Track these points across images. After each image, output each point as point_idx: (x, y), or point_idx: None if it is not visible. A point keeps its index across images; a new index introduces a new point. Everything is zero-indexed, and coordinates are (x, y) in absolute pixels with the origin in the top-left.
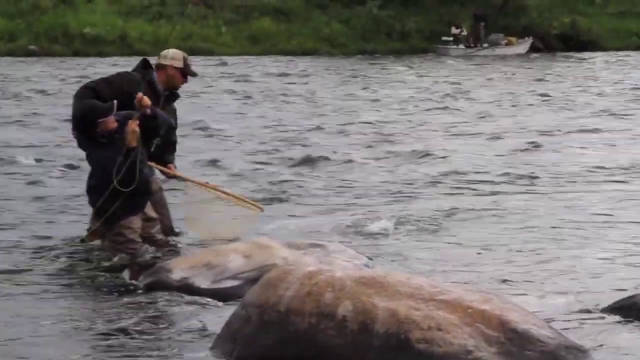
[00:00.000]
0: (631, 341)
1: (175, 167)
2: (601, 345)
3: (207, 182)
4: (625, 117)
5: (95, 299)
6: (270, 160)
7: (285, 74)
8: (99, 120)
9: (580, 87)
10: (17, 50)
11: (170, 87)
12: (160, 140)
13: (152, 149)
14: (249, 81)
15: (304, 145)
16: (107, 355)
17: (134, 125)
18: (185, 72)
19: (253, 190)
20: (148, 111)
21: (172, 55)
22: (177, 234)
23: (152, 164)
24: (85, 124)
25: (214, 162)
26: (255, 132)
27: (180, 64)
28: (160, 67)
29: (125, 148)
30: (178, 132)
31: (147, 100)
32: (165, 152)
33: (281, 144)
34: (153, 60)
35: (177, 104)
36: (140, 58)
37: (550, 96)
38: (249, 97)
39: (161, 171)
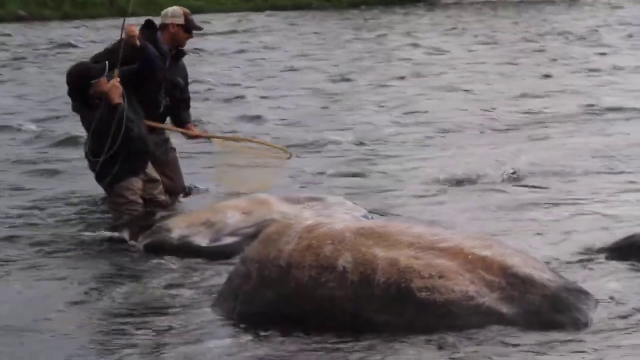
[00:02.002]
0: (631, 281)
1: (194, 125)
2: (602, 287)
3: (231, 134)
4: None
5: (95, 260)
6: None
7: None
8: (92, 81)
9: None
10: (7, 15)
11: (176, 45)
12: (170, 100)
13: (162, 110)
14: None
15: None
16: (109, 315)
17: (115, 82)
18: (188, 27)
19: None
20: (136, 42)
21: (172, 13)
22: (188, 194)
23: (172, 127)
24: (79, 86)
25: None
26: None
27: (181, 20)
28: (163, 26)
29: (111, 106)
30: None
31: (134, 29)
32: (180, 111)
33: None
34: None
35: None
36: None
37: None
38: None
39: (182, 133)
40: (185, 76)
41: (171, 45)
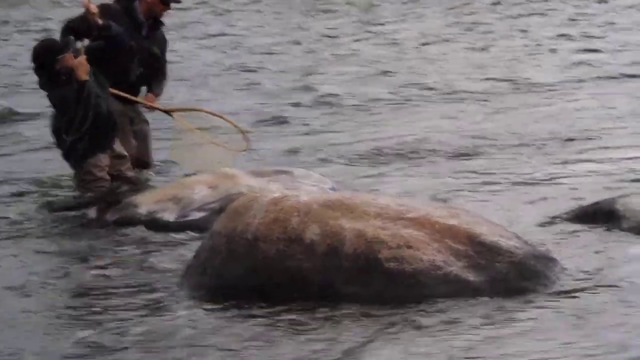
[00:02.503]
0: (597, 247)
1: (157, 95)
2: (569, 253)
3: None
4: None
5: (63, 237)
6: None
7: None
8: (58, 57)
9: None
10: None
11: (152, 16)
12: (146, 69)
13: (133, 79)
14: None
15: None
16: (78, 292)
17: (81, 58)
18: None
19: None
20: (96, 20)
21: None
22: (152, 168)
23: (129, 96)
24: (44, 62)
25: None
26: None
27: None
28: None
29: (78, 83)
30: None
31: (91, 7)
32: (153, 81)
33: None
34: None
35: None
36: None
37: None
38: None
39: (138, 103)
40: (163, 46)
41: (147, 16)
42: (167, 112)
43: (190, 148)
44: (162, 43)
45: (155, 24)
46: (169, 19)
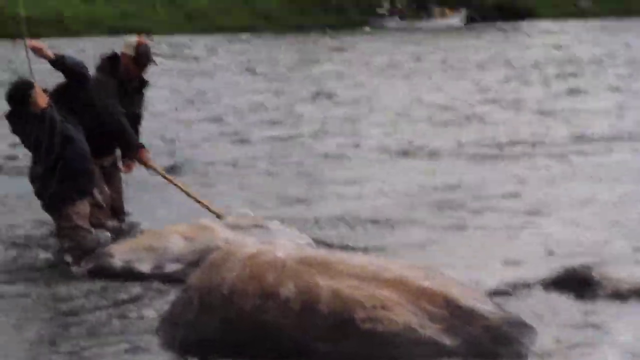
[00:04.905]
0: (571, 313)
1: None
2: (544, 319)
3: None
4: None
5: (37, 284)
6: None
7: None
8: (29, 94)
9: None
10: None
11: (129, 77)
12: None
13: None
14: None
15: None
16: (50, 341)
17: (37, 88)
18: (138, 61)
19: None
20: (48, 54)
21: (126, 43)
22: (125, 215)
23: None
24: (16, 102)
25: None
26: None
27: (131, 52)
28: (121, 55)
29: (39, 114)
30: None
31: (35, 43)
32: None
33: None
34: None
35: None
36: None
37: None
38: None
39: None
40: (141, 101)
41: (125, 77)
42: (154, 170)
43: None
44: (142, 97)
45: (141, 85)
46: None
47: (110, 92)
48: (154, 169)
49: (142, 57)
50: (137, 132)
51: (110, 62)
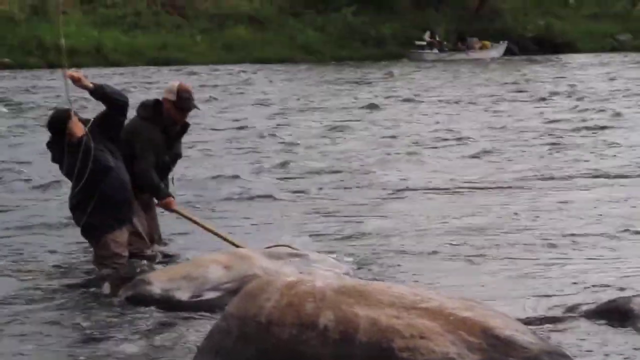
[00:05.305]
0: (613, 346)
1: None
2: (583, 351)
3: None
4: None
5: (75, 313)
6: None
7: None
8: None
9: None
10: None
11: (171, 122)
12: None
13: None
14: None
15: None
16: None
17: (73, 119)
18: (179, 106)
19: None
20: (87, 84)
21: (167, 88)
22: (163, 244)
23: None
24: (55, 131)
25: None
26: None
27: (172, 97)
28: (163, 100)
29: (75, 144)
30: None
31: (73, 74)
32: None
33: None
34: None
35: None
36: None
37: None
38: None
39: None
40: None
41: (167, 122)
42: (183, 216)
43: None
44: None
45: (183, 128)
46: None
47: (151, 144)
48: (179, 213)
49: (184, 102)
50: (169, 170)
51: (153, 109)
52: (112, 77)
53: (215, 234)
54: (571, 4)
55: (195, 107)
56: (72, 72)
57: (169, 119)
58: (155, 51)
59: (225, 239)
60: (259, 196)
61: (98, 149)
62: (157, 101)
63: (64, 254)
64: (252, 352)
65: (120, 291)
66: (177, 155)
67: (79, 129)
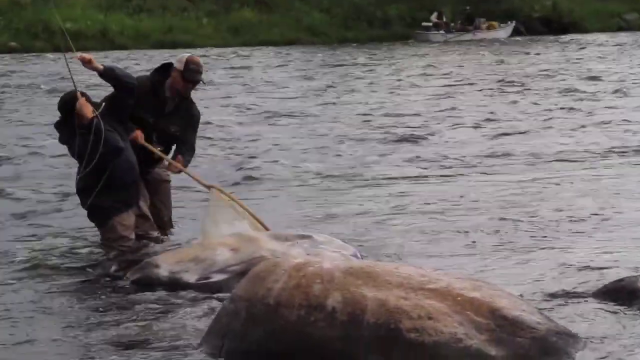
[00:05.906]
0: (620, 326)
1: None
2: (591, 331)
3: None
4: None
5: (83, 295)
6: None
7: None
8: (75, 106)
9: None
10: None
11: (175, 92)
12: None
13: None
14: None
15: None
16: (95, 351)
17: (81, 101)
18: (184, 76)
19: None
20: (94, 64)
21: (179, 58)
22: (172, 227)
23: (162, 154)
24: (64, 113)
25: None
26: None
27: (180, 66)
28: (173, 69)
29: (85, 125)
30: None
31: (83, 55)
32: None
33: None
34: None
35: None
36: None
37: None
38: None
39: (167, 161)
40: (186, 123)
41: (171, 92)
42: (207, 186)
43: (218, 223)
44: (188, 119)
45: (181, 101)
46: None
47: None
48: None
49: (189, 73)
50: (191, 149)
51: (157, 74)
52: (119, 62)
53: (238, 203)
54: None
55: (201, 80)
56: (83, 54)
57: (172, 86)
58: (161, 34)
59: (221, 191)
60: (269, 179)
61: (108, 130)
62: (169, 64)
63: (70, 237)
64: (260, 333)
65: (127, 274)
66: (169, 135)
67: (87, 110)
